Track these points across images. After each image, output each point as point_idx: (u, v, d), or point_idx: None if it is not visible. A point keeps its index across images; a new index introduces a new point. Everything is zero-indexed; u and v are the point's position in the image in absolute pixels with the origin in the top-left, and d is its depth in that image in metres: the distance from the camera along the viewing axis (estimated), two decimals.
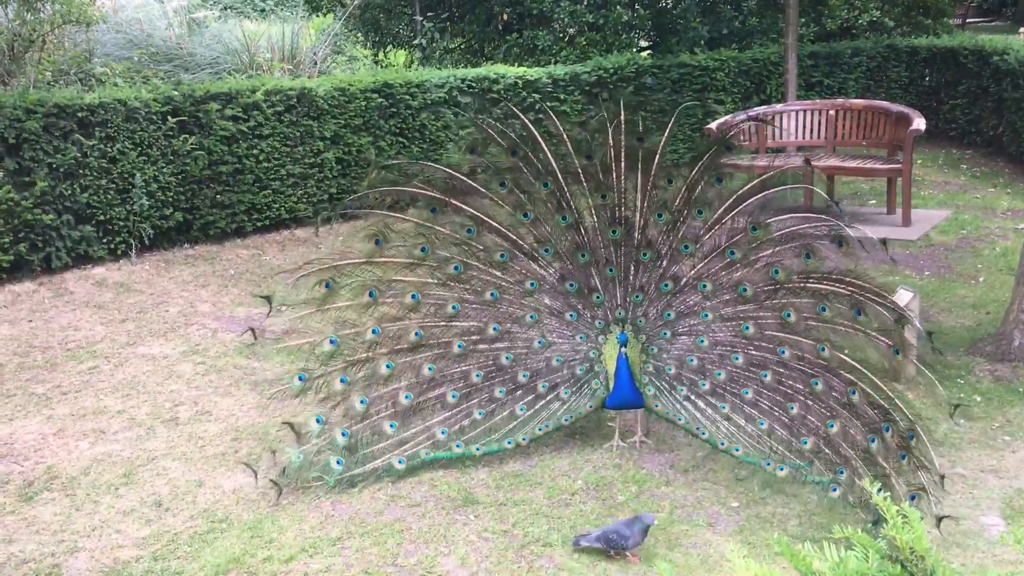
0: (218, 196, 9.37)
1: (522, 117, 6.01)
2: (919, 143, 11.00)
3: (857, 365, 5.24)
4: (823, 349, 5.31)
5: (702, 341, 5.62)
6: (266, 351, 7.18)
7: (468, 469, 5.60)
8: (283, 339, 5.77)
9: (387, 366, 5.60)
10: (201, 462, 5.71)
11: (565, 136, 5.84)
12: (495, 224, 5.80)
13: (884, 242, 5.90)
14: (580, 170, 5.78)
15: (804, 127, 10.96)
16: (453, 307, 5.76)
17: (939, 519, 4.76)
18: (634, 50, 13.60)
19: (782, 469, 5.25)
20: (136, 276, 8.68)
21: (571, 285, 5.80)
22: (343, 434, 5.44)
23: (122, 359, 7.13)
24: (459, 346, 5.70)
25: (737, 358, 5.53)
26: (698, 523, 5.02)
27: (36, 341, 7.37)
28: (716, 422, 5.49)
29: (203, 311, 8.07)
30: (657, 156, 5.70)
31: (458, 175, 5.85)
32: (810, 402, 5.30)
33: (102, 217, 8.67)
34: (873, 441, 5.02)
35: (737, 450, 5.40)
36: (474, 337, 5.76)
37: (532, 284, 5.82)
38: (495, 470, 5.59)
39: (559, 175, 5.77)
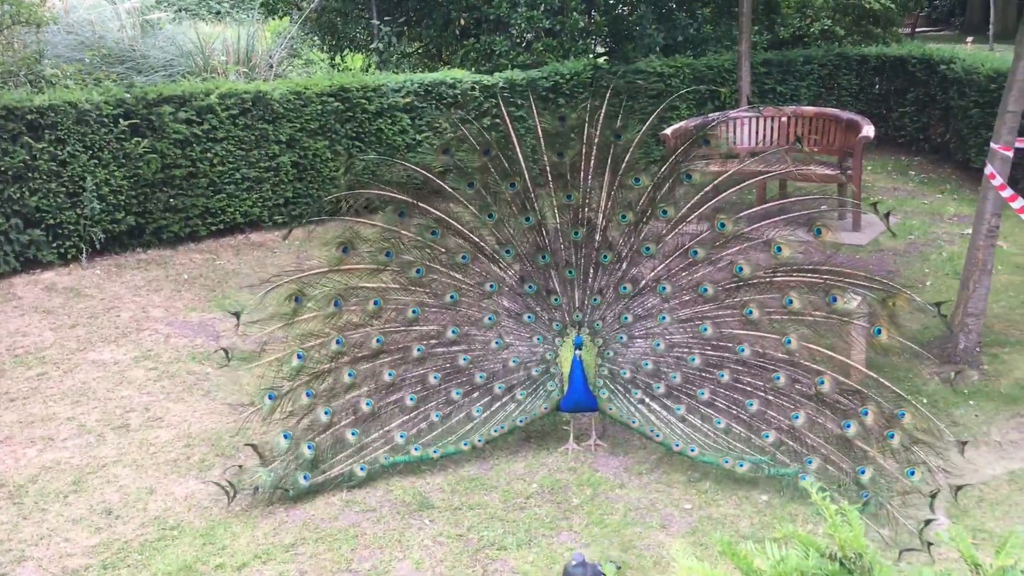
0: (171, 200, 9.26)
1: (505, 116, 6.08)
2: (869, 150, 11.20)
3: (832, 353, 5.35)
4: (788, 342, 5.39)
5: (658, 344, 5.67)
6: (219, 357, 7.13)
7: (424, 474, 5.60)
8: (254, 357, 5.70)
9: (349, 375, 5.61)
10: (152, 469, 5.64)
11: (539, 130, 5.87)
12: (459, 226, 5.83)
13: (887, 216, 6.02)
14: (549, 167, 5.82)
15: (757, 133, 11.12)
16: (413, 311, 5.78)
17: (957, 488, 4.97)
18: (590, 56, 13.68)
19: (742, 465, 5.33)
20: (87, 281, 8.55)
21: (530, 287, 5.84)
22: (309, 447, 5.42)
23: (72, 365, 7.02)
24: (418, 350, 5.71)
25: (693, 359, 5.59)
26: (652, 525, 5.07)
27: None
28: (671, 424, 5.54)
29: (155, 316, 7.97)
30: (629, 153, 5.75)
31: (431, 176, 5.87)
32: (771, 397, 5.39)
33: (52, 221, 8.53)
34: (848, 427, 5.15)
35: (693, 450, 5.45)
36: (433, 340, 5.78)
37: (492, 286, 5.85)
38: (451, 475, 5.60)
39: (526, 175, 5.83)
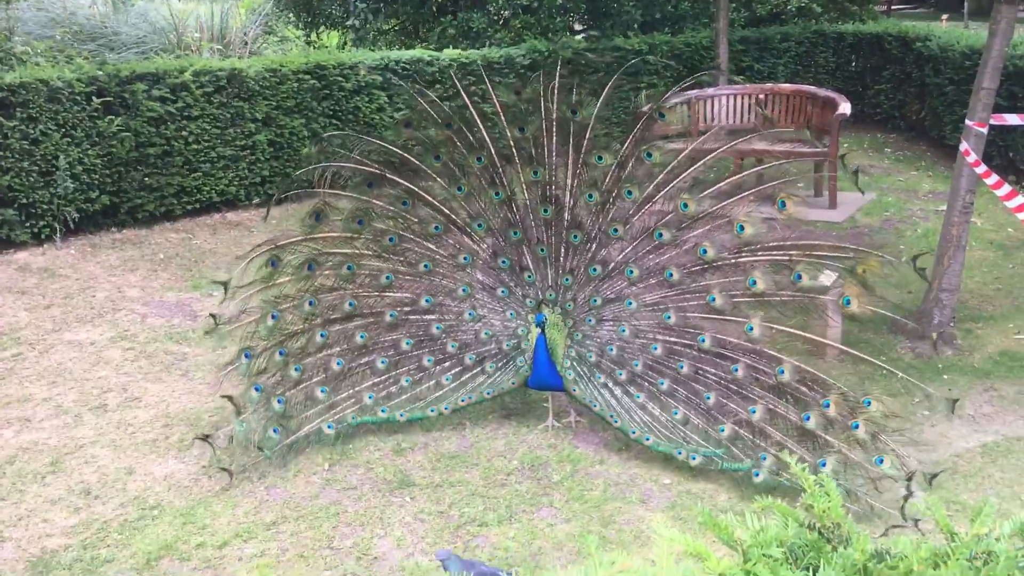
0: (146, 179, 9.17)
1: (461, 91, 6.10)
2: (845, 127, 11.26)
3: (803, 333, 5.35)
4: (751, 329, 5.30)
5: (623, 330, 5.62)
6: (197, 337, 7.10)
7: (404, 452, 5.61)
8: (235, 320, 5.77)
9: (321, 335, 5.73)
10: (131, 449, 5.62)
11: (497, 104, 5.83)
12: (429, 198, 5.85)
13: (856, 172, 6.07)
14: (512, 143, 5.77)
15: (735, 111, 11.15)
16: (387, 278, 5.85)
17: (932, 476, 4.98)
18: (568, 33, 13.64)
19: (694, 458, 5.26)
20: (61, 261, 8.46)
21: (503, 262, 5.85)
22: (279, 400, 5.54)
23: (47, 345, 6.96)
24: (391, 315, 5.80)
25: (656, 348, 5.51)
26: (631, 500, 5.11)
27: None
28: (631, 411, 5.49)
29: (131, 296, 7.90)
30: (588, 130, 5.66)
31: (393, 148, 5.90)
32: (731, 388, 5.30)
33: (24, 200, 8.42)
34: (808, 419, 5.08)
35: (647, 439, 5.40)
36: (406, 308, 5.85)
37: (465, 258, 5.87)
38: (431, 452, 5.61)
39: (492, 149, 5.80)
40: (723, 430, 5.25)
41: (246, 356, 5.64)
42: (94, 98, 8.71)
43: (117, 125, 8.82)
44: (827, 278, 6.54)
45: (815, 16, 14.85)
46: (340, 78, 10.35)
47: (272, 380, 5.61)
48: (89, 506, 5.06)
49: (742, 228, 5.45)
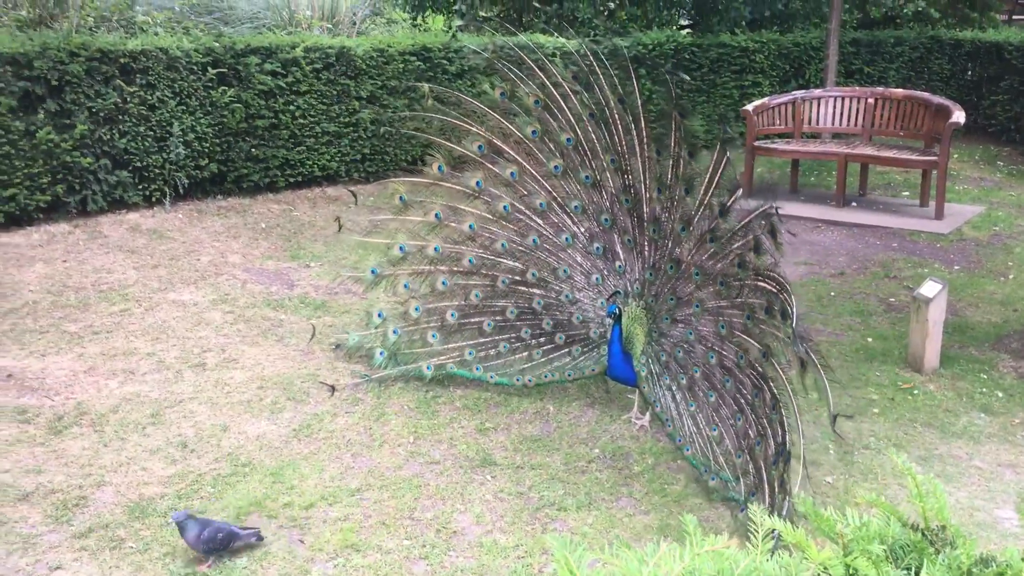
0: (253, 150, 9.44)
1: (536, 68, 6.07)
2: (956, 137, 10.90)
3: (782, 377, 4.90)
4: (764, 355, 4.99)
5: (690, 334, 5.48)
6: (293, 305, 7.30)
7: (488, 431, 5.68)
8: (365, 237, 6.43)
9: (443, 283, 6.09)
10: (227, 407, 5.82)
11: (567, 88, 5.89)
12: (531, 170, 5.96)
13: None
14: (590, 127, 5.83)
15: (841, 114, 10.88)
16: (502, 244, 6.06)
17: (834, 417, 4.91)
18: (674, 28, 13.51)
19: (714, 480, 5.03)
20: (169, 224, 8.79)
21: (597, 248, 5.88)
22: (395, 331, 6.13)
23: (153, 303, 7.25)
24: (503, 282, 6.03)
25: (712, 357, 5.30)
26: (714, 497, 5.07)
27: (70, 281, 7.50)
28: (683, 418, 5.32)
29: (233, 262, 8.17)
30: (642, 122, 5.61)
31: (493, 113, 6.07)
32: (752, 415, 4.99)
33: (139, 163, 8.76)
34: (776, 465, 4.66)
35: (687, 450, 5.23)
36: (516, 277, 6.03)
37: (567, 239, 5.95)
38: (514, 433, 5.67)
39: (579, 132, 5.86)
40: (740, 457, 4.96)
41: (372, 272, 6.15)
42: (209, 69, 9.01)
43: (229, 96, 9.10)
44: (930, 289, 6.37)
45: (932, 21, 14.38)
46: (444, 61, 10.48)
47: (395, 312, 6.16)
48: (185, 458, 5.27)
49: (756, 250, 5.14)
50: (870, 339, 7.13)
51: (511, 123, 6.03)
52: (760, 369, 5.00)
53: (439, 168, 6.12)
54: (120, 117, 8.58)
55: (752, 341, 5.09)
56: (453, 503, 4.97)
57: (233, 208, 9.34)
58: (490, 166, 6.03)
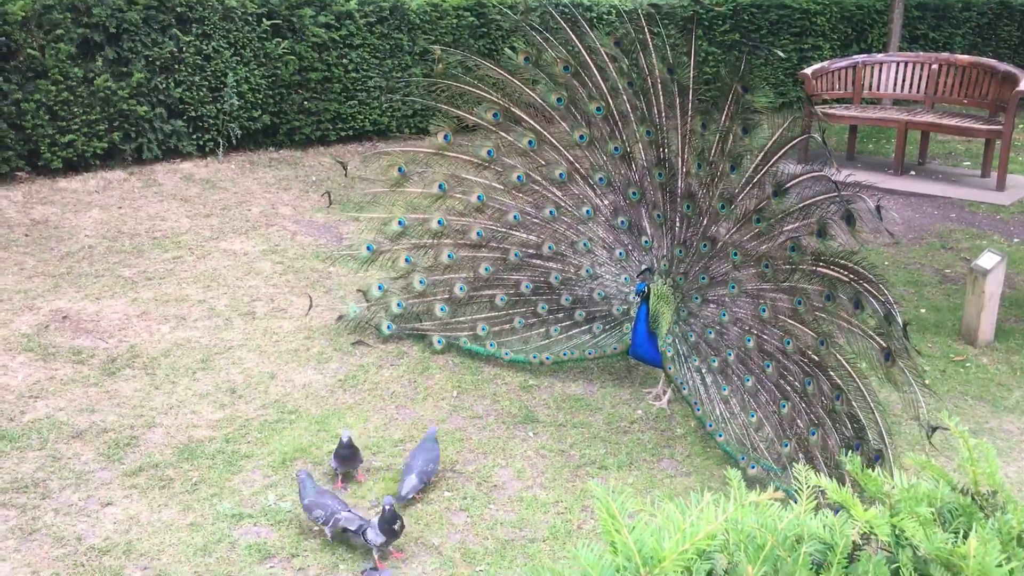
0: (305, 102, 9.47)
1: (570, 34, 5.83)
2: (1022, 107, 10.56)
3: (848, 368, 4.77)
4: (822, 343, 4.85)
5: (724, 315, 5.28)
6: (341, 258, 7.36)
7: (531, 389, 5.70)
8: (357, 210, 6.17)
9: (448, 256, 5.95)
10: (275, 356, 5.91)
11: (604, 53, 5.67)
12: (553, 140, 5.78)
13: (879, 208, 4.91)
14: (625, 97, 5.62)
15: (903, 80, 10.60)
16: (514, 216, 5.90)
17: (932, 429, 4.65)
18: None
19: (753, 467, 4.84)
20: (222, 174, 8.88)
21: (622, 222, 5.69)
22: (399, 304, 6.05)
23: (205, 252, 7.35)
24: (515, 255, 5.88)
25: (749, 341, 5.14)
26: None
27: (125, 227, 7.63)
28: (713, 401, 5.16)
29: (283, 213, 8.24)
30: (689, 93, 5.40)
31: (515, 80, 5.88)
32: (802, 404, 4.87)
33: (193, 113, 8.84)
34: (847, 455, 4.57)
35: (720, 436, 5.07)
36: (530, 251, 5.88)
37: (588, 212, 5.77)
38: (557, 392, 5.68)
39: (610, 101, 5.65)
40: (787, 446, 4.81)
41: (368, 248, 6.03)
42: (264, 20, 9.02)
43: (283, 48, 9.13)
44: (988, 260, 6.22)
45: None
46: (498, 16, 10.37)
47: (396, 285, 6.07)
48: (233, 404, 5.36)
49: (821, 235, 4.97)
50: (923, 310, 7.00)
51: (531, 90, 5.80)
52: (816, 357, 4.83)
53: (445, 137, 5.93)
54: (176, 66, 8.65)
55: (803, 328, 4.93)
56: (495, 458, 5.00)
57: (285, 160, 9.40)
58: (503, 134, 5.84)
